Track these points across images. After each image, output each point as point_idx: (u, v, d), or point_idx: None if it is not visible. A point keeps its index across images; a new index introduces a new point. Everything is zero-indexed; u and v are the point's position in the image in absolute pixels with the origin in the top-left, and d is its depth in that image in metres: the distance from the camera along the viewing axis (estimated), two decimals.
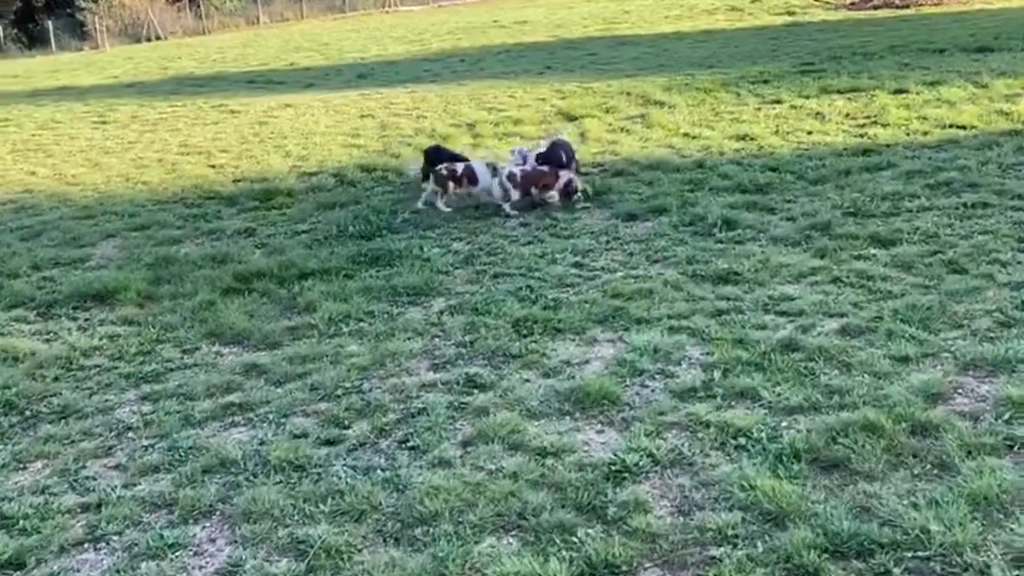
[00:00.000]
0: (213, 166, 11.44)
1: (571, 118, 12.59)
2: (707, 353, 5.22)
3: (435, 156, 9.03)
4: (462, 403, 4.90)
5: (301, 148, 12.12)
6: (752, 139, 10.38)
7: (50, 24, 44.13)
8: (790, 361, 4.96)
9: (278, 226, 8.65)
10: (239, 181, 10.48)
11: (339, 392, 5.16)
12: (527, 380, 5.11)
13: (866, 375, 4.71)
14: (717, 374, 4.90)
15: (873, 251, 6.54)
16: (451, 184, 8.52)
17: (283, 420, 4.92)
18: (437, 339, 5.80)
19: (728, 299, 5.95)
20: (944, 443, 3.99)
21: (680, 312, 5.81)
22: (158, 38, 43.56)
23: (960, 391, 4.49)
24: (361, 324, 6.10)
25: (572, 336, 5.65)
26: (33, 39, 45.38)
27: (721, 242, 7.11)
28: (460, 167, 8.59)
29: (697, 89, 13.68)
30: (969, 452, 3.90)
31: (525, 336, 5.68)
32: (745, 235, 7.20)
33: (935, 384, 4.50)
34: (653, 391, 4.86)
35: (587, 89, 14.87)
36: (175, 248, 8.15)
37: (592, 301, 6.11)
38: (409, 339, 5.79)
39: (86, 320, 6.61)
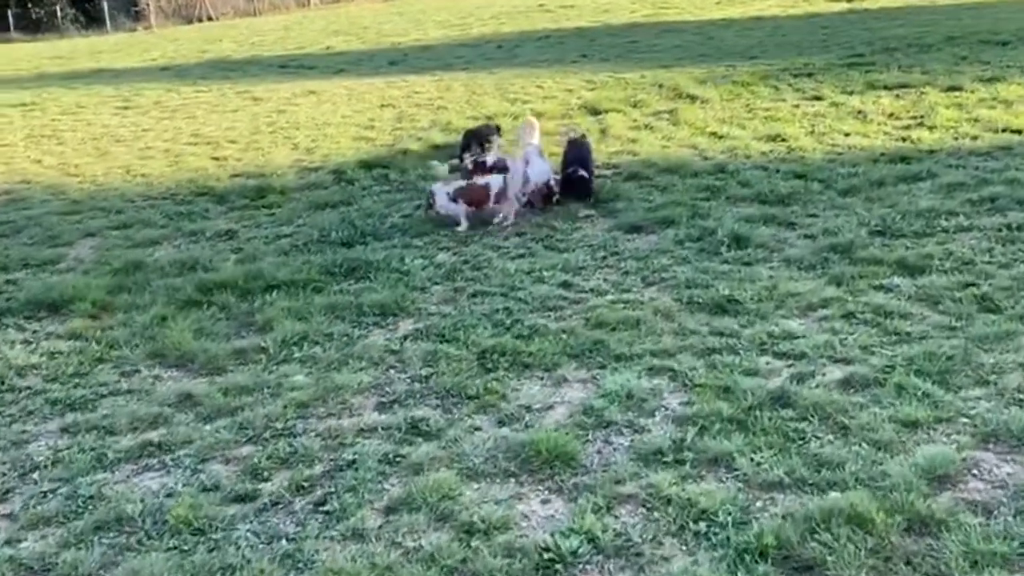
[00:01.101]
0: (216, 158, 11.00)
1: (595, 112, 11.87)
2: (686, 403, 4.53)
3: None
4: (399, 456, 4.30)
5: (310, 140, 11.61)
6: (783, 140, 9.55)
7: (105, 4, 44.48)
8: (778, 420, 4.25)
9: (262, 228, 8.14)
10: (237, 176, 10.01)
11: (268, 434, 4.61)
12: (477, 428, 4.49)
13: (864, 444, 3.98)
14: (692, 432, 4.22)
15: (897, 280, 5.75)
16: None
17: (200, 466, 4.38)
18: (392, 370, 5.21)
19: (722, 334, 5.24)
20: (945, 547, 3.26)
21: (666, 348, 5.13)
22: (209, 19, 43.65)
23: (975, 471, 3.74)
24: (315, 349, 5.54)
25: (541, 373, 5.01)
26: (91, 18, 45.84)
27: (728, 262, 6.38)
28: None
29: (734, 82, 12.82)
30: (975, 563, 3.16)
31: (489, 371, 5.06)
32: (756, 255, 6.46)
33: (945, 461, 3.76)
34: (616, 450, 4.20)
35: (619, 80, 14.11)
36: (150, 251, 7.69)
37: (571, 331, 5.45)
38: (361, 370, 5.21)
39: (34, 333, 6.17)
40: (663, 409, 4.51)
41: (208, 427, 4.75)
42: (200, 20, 43.39)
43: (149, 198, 9.37)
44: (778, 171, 8.46)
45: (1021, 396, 4.26)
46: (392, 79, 16.46)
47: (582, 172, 8.03)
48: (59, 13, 45.68)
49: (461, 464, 4.18)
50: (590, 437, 4.32)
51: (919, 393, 4.33)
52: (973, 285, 5.54)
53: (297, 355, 5.47)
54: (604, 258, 6.71)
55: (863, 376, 4.57)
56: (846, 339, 5.02)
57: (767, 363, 4.86)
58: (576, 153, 8.32)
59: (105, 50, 28.86)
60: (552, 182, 8.09)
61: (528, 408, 4.64)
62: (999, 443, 3.92)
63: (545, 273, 6.45)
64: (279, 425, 4.68)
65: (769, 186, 7.91)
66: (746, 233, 6.75)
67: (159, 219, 8.56)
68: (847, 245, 6.36)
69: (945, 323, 5.11)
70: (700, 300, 5.73)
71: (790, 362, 4.85)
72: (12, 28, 44.44)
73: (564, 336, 5.38)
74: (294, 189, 9.27)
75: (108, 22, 43.83)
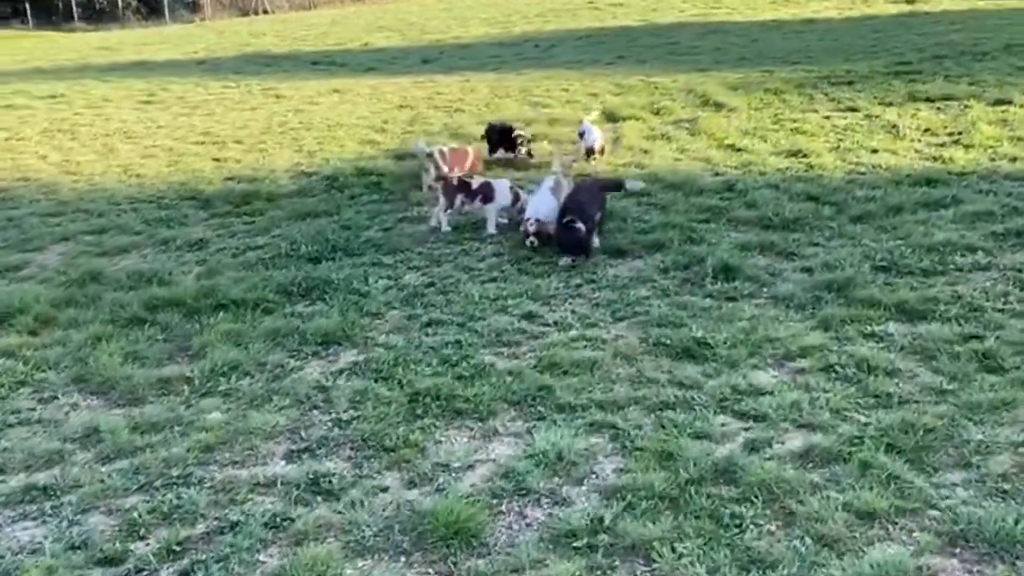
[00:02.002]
0: (217, 159, 10.69)
1: (613, 119, 11.26)
2: (620, 470, 3.99)
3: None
4: (287, 519, 3.84)
5: (316, 143, 11.24)
6: (804, 156, 8.87)
7: None
8: (716, 500, 3.68)
9: (236, 238, 7.76)
10: (230, 179, 9.67)
11: (161, 482, 4.19)
12: (383, 489, 4.01)
13: (807, 538, 3.40)
14: (615, 510, 3.68)
15: (892, 327, 5.11)
16: (459, 198, 7.44)
17: (79, 517, 3.98)
18: (315, 411, 4.76)
19: (682, 385, 4.67)
20: None
21: (616, 400, 4.58)
22: (264, 12, 43.89)
23: None
24: (243, 381, 5.11)
25: (472, 423, 4.50)
26: (151, 9, 46.48)
27: (711, 296, 5.79)
28: (477, 181, 7.52)
29: (767, 90, 12.12)
30: None
31: (417, 417, 4.57)
32: (743, 288, 5.85)
33: (896, 570, 3.15)
34: (527, 527, 3.68)
35: (648, 84, 13.49)
36: (117, 259, 7.37)
37: (518, 373, 4.93)
38: (282, 409, 4.77)
39: None
40: (593, 476, 3.98)
41: (104, 468, 4.35)
42: (256, 13, 43.64)
43: (136, 201, 9.08)
44: (790, 192, 7.80)
45: (1006, 486, 3.62)
46: (419, 79, 16.05)
47: (578, 224, 6.44)
48: (121, 3, 46.43)
49: (350, 536, 3.70)
50: (503, 508, 3.81)
51: (885, 475, 3.71)
52: (977, 338, 4.86)
53: (223, 387, 5.05)
54: (578, 286, 6.16)
55: (826, 448, 3.97)
56: (818, 398, 4.41)
57: (722, 424, 4.28)
58: (576, 198, 6.78)
59: (152, 42, 29.04)
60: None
61: (445, 467, 4.14)
62: (967, 548, 3.29)
63: (510, 301, 5.93)
64: (175, 472, 4.26)
65: (775, 209, 7.26)
66: (737, 263, 6.13)
67: (136, 225, 8.25)
68: (845, 282, 5.71)
69: (935, 384, 4.46)
70: (668, 342, 5.15)
71: (748, 424, 4.27)
72: (76, 18, 45.32)
73: (509, 379, 4.87)
74: (282, 195, 8.89)
75: (167, 13, 44.38)
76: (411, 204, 8.36)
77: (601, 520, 3.62)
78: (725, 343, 5.07)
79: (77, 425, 4.78)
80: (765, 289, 5.84)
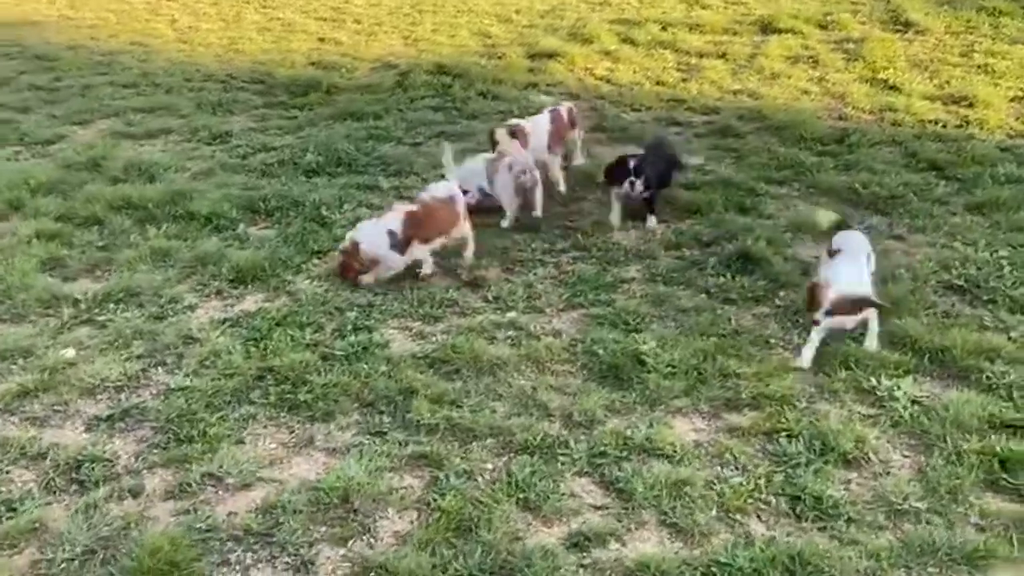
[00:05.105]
0: (322, 39, 10.07)
1: (768, 29, 9.46)
2: (398, 537, 3.02)
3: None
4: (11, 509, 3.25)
5: (432, 29, 10.32)
6: (968, 105, 6.93)
7: None
8: None
9: (264, 134, 7.15)
10: (312, 64, 9.03)
11: None
12: (133, 494, 3.31)
13: None
14: None
15: (905, 388, 3.63)
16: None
17: None
18: (158, 369, 4.09)
19: (573, 421, 3.55)
20: None
21: (476, 425, 3.55)
22: None
23: None
24: (125, 314, 4.53)
25: (298, 422, 3.68)
26: None
27: (708, 292, 4.50)
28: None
29: (981, 8, 9.69)
30: None
31: (245, 402, 3.80)
32: (752, 291, 4.49)
33: None
34: None
35: None
36: (135, 145, 7.00)
37: (399, 362, 4.00)
38: (130, 360, 4.15)
39: None
40: (363, 538, 3.04)
41: None
42: None
43: (208, 79, 8.66)
44: (913, 154, 6.04)
45: None
46: None
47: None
48: None
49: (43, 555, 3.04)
50: (231, 560, 2.99)
51: None
52: None
53: (102, 318, 4.52)
54: (561, 251, 5.04)
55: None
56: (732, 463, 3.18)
57: (576, 495, 3.17)
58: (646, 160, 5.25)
59: None
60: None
61: (217, 480, 3.36)
62: None
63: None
64: None
65: (876, 177, 5.61)
66: (763, 254, 4.73)
67: (186, 107, 7.82)
68: (891, 305, 4.18)
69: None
70: (602, 352, 3.98)
71: (607, 502, 3.12)
72: None
73: (383, 368, 3.96)
74: (344, 89, 8.14)
75: None
76: (463, 116, 7.35)
77: None
78: (670, 367, 3.84)
79: None
80: (778, 299, 4.43)
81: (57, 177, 6.27)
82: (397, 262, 4.73)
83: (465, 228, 4.90)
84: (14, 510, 3.26)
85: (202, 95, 8.19)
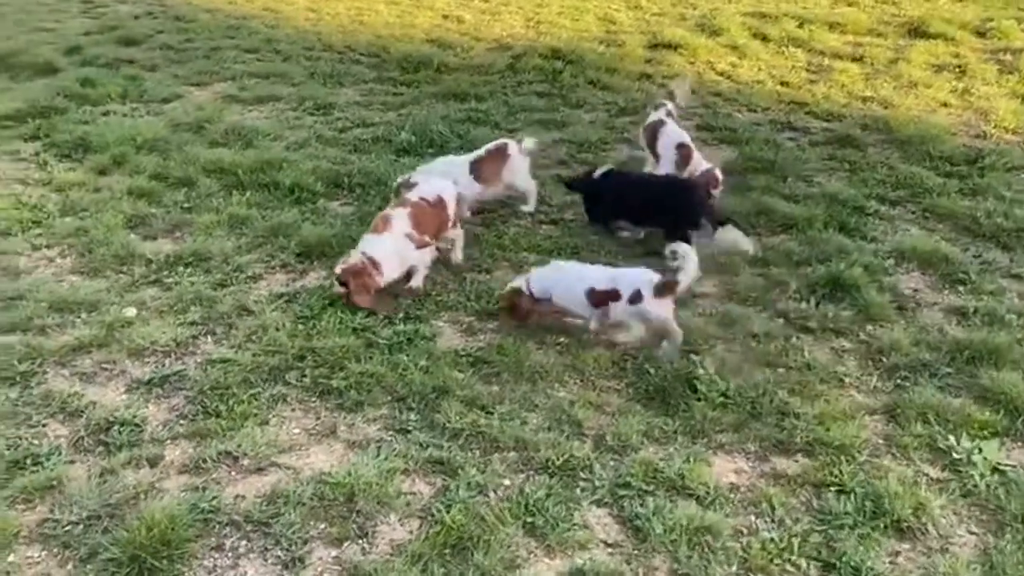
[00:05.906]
0: (446, 16, 10.01)
1: (916, 32, 8.78)
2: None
3: None
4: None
5: (557, 12, 10.09)
6: None
7: None
8: None
9: (366, 108, 7.13)
10: (430, 41, 8.97)
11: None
12: (153, 463, 3.30)
13: None
14: None
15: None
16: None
17: None
18: (208, 337, 4.10)
19: (602, 445, 3.31)
20: None
21: (501, 436, 3.37)
22: None
23: None
24: (192, 278, 4.57)
25: (326, 409, 3.58)
26: None
27: (784, 317, 4.12)
28: None
29: None
30: None
31: (279, 383, 3.74)
32: (835, 320, 4.09)
33: None
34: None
35: None
36: (243, 110, 7.11)
37: (441, 357, 3.85)
38: (184, 325, 4.17)
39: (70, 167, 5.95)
40: (311, 564, 2.92)
41: None
42: None
43: (326, 50, 8.73)
44: None
45: None
46: None
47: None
48: None
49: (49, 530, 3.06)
50: (217, 535, 2.93)
51: None
52: None
53: (170, 279, 4.59)
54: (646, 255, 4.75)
55: None
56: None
57: (589, 526, 2.93)
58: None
59: None
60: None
61: (234, 459, 3.31)
62: None
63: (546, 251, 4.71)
64: (23, 368, 3.88)
65: (1003, 207, 5.05)
66: (857, 281, 4.31)
67: (298, 76, 7.89)
68: (989, 352, 3.72)
69: None
70: (653, 372, 3.71)
71: (621, 546, 2.87)
72: None
73: (423, 363, 3.82)
74: (455, 69, 8.03)
75: None
76: (566, 104, 7.11)
77: None
78: (723, 396, 3.53)
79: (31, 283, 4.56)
80: (863, 333, 4.02)
81: (163, 136, 6.45)
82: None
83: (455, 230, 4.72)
84: (40, 464, 3.32)
85: (317, 64, 8.26)
